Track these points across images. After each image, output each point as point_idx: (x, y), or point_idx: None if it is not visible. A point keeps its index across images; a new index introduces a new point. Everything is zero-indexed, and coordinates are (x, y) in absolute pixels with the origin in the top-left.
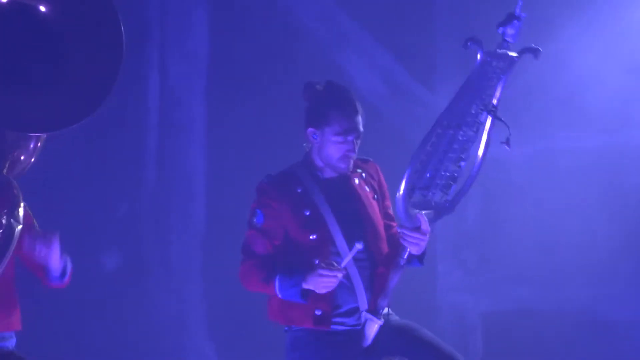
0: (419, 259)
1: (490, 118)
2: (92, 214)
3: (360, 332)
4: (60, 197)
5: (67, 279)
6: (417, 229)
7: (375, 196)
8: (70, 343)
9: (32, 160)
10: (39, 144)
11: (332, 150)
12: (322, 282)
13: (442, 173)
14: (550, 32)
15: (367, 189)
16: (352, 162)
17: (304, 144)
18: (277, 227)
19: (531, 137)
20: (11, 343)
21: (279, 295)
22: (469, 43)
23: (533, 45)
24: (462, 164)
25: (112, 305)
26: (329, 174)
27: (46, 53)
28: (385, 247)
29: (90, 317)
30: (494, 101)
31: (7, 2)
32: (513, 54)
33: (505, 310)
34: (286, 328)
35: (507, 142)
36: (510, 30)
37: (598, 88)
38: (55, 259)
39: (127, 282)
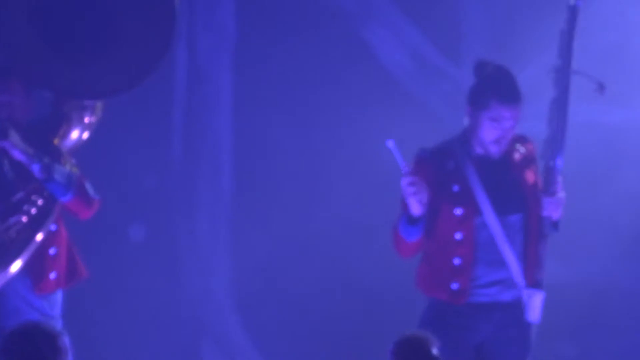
0: (554, 225)
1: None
2: (121, 188)
3: (518, 307)
4: (90, 170)
5: (81, 196)
6: (555, 194)
7: (531, 172)
8: (97, 314)
9: (86, 135)
10: (93, 119)
11: (486, 132)
12: (406, 193)
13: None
14: None
15: (524, 164)
16: (507, 142)
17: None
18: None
19: None
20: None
21: (400, 233)
22: None
23: None
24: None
25: (140, 277)
26: (484, 152)
27: (100, 23)
28: (536, 226)
29: (117, 288)
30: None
31: None
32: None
33: None
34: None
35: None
36: None
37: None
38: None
39: (155, 254)
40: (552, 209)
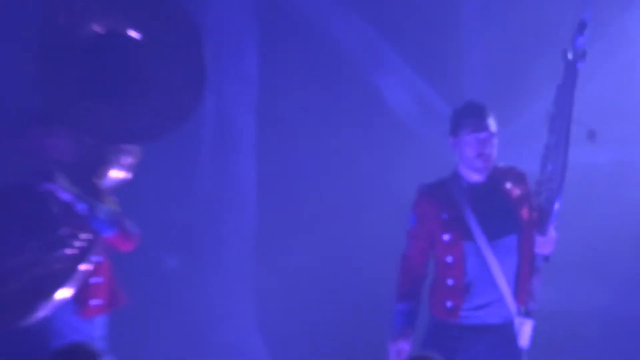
0: (546, 259)
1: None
2: (153, 219)
3: (509, 330)
4: (126, 204)
5: (122, 231)
6: (548, 233)
7: (524, 198)
8: (135, 336)
9: (126, 175)
10: (131, 160)
11: (468, 150)
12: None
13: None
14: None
15: (517, 192)
16: (490, 160)
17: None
18: (425, 230)
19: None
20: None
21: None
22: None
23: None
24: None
25: (171, 302)
26: (475, 179)
27: (139, 76)
28: (529, 249)
29: (152, 313)
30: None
31: (104, 31)
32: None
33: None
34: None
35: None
36: (581, 39)
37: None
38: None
39: (184, 280)
40: (544, 247)
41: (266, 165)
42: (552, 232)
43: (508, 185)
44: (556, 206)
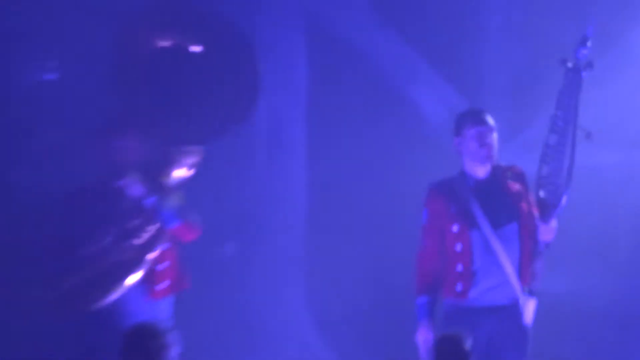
0: (547, 246)
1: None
2: (213, 211)
3: (516, 310)
4: (189, 198)
5: (186, 223)
6: (550, 223)
7: (523, 192)
8: (197, 316)
9: (189, 173)
10: (194, 160)
11: (472, 143)
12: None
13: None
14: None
15: (517, 187)
16: (493, 151)
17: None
18: (437, 224)
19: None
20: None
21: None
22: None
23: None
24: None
25: (231, 285)
26: (479, 174)
27: (201, 86)
28: (529, 235)
29: (213, 294)
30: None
31: (169, 46)
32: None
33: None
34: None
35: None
36: (584, 51)
37: None
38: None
39: (240, 266)
40: (547, 235)
41: (314, 164)
42: (554, 222)
43: (508, 181)
44: (563, 201)
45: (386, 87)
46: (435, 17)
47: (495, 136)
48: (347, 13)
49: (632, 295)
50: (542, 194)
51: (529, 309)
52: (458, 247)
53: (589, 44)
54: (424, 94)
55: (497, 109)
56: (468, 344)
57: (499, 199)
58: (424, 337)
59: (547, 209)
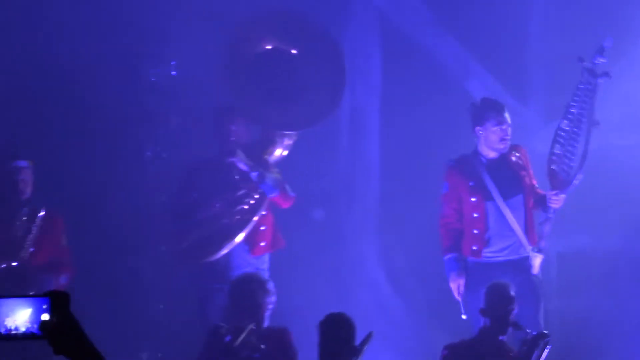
0: (555, 211)
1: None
2: (303, 185)
3: (525, 264)
4: (285, 173)
5: (283, 194)
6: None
7: (525, 168)
8: (288, 273)
9: (285, 152)
10: (290, 141)
11: (493, 137)
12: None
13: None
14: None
15: (520, 162)
16: (508, 143)
17: (474, 139)
18: (456, 194)
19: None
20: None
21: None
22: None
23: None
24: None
25: (315, 247)
26: (491, 156)
27: (296, 79)
28: (531, 203)
29: (300, 254)
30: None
31: (273, 47)
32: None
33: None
34: None
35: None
36: (601, 59)
37: None
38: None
39: (322, 234)
40: (557, 203)
41: (386, 145)
42: (562, 195)
43: (514, 158)
44: (577, 180)
45: (445, 80)
46: (485, 22)
47: (510, 130)
48: (414, 19)
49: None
50: (553, 167)
51: (537, 262)
52: (475, 215)
53: (605, 54)
54: (477, 87)
55: (534, 100)
56: (512, 291)
57: (507, 175)
58: (457, 284)
59: (557, 182)
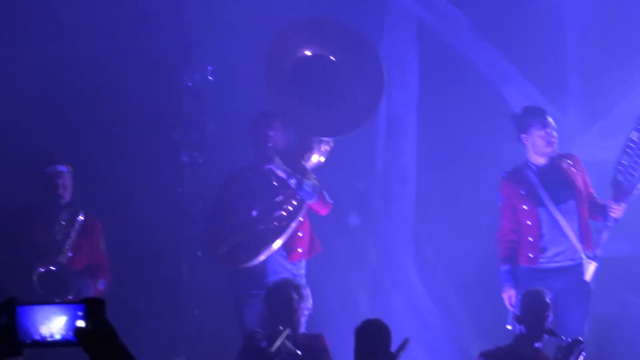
0: (616, 220)
1: None
2: (341, 189)
3: (579, 270)
4: (322, 179)
5: (321, 200)
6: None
7: (580, 175)
8: (324, 277)
9: (322, 159)
10: (327, 148)
11: (539, 142)
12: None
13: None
14: None
15: (573, 169)
16: (555, 146)
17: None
18: (510, 204)
19: None
20: None
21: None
22: None
23: None
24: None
25: (353, 249)
26: (541, 162)
27: (334, 87)
28: (586, 209)
29: (338, 257)
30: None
31: (312, 54)
32: None
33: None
34: None
35: None
36: None
37: None
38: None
39: (358, 240)
40: (617, 213)
41: (422, 149)
42: (624, 205)
43: (565, 165)
44: (637, 190)
45: (482, 86)
46: (521, 30)
47: (556, 134)
48: (451, 27)
49: None
50: (619, 177)
51: (590, 270)
52: (529, 222)
53: None
54: (512, 92)
55: (572, 106)
56: (548, 297)
57: (557, 180)
58: (508, 295)
59: (621, 192)
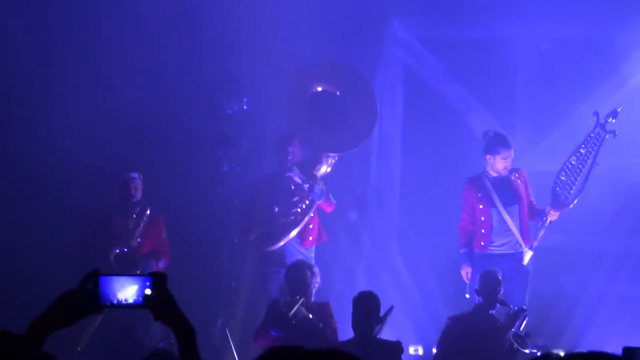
0: (551, 222)
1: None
2: (342, 193)
3: (519, 257)
4: (328, 184)
5: (327, 200)
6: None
7: (523, 186)
8: (329, 264)
9: (329, 170)
10: (333, 160)
11: (499, 165)
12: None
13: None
14: None
15: (519, 182)
16: (508, 168)
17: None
18: (470, 203)
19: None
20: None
21: (459, 252)
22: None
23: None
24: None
25: (351, 241)
26: (496, 175)
27: (340, 111)
28: (527, 212)
29: (337, 247)
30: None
31: (323, 89)
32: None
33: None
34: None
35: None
36: (612, 120)
37: None
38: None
39: (356, 231)
40: (553, 216)
41: (405, 162)
42: (559, 212)
43: (513, 177)
44: (572, 204)
45: (452, 115)
46: (482, 72)
47: (511, 161)
48: (429, 71)
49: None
50: (557, 189)
51: (527, 257)
52: (483, 218)
53: (616, 117)
54: (474, 120)
55: (522, 129)
56: (500, 276)
57: (507, 189)
58: (465, 271)
59: (558, 203)
